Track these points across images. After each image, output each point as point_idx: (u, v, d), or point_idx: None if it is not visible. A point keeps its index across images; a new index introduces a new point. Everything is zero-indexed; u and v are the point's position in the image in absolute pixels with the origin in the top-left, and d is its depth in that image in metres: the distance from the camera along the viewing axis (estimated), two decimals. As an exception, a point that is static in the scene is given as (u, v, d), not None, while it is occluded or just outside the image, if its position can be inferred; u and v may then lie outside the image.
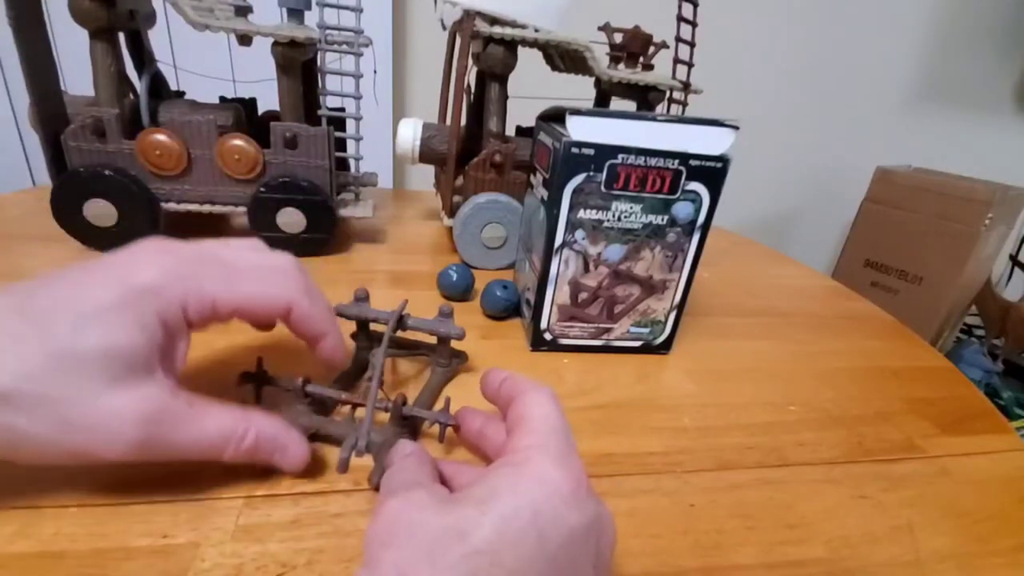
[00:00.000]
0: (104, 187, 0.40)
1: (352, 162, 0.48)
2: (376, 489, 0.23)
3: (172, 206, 0.43)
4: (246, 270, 0.22)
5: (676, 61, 0.49)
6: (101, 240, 0.41)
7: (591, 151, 0.30)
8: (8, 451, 0.17)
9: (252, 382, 0.26)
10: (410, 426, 0.26)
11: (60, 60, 0.39)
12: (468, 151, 0.50)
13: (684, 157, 0.31)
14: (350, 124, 0.46)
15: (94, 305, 0.18)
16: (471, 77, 0.53)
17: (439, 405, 0.26)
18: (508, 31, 0.44)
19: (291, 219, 0.44)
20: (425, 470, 0.19)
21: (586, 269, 0.34)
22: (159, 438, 0.19)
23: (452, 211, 0.49)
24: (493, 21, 0.44)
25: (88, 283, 0.19)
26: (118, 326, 0.18)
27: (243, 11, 0.41)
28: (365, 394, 0.25)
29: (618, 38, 0.51)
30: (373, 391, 0.24)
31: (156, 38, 0.46)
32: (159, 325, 0.19)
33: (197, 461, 0.20)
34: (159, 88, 0.46)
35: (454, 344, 0.32)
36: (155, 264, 0.19)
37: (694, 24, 0.48)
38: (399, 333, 0.30)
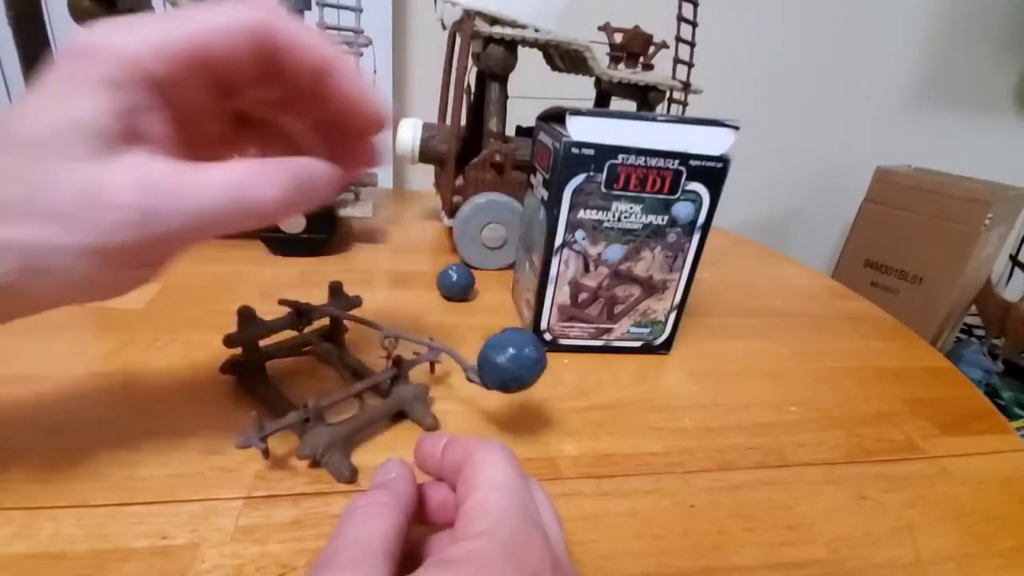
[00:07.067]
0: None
1: (352, 162, 0.48)
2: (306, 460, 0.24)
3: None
4: (197, 9, 0.17)
5: (676, 61, 0.49)
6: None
7: (591, 151, 0.30)
8: (25, 277, 0.16)
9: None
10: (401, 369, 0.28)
11: (59, 60, 0.39)
12: (468, 151, 0.49)
13: (684, 157, 0.31)
14: (350, 124, 0.46)
15: (33, 99, 0.16)
16: (471, 77, 0.53)
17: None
18: (508, 31, 0.44)
19: (291, 219, 0.44)
20: (388, 522, 0.15)
21: (586, 269, 0.34)
22: (165, 195, 0.16)
23: (452, 211, 0.49)
24: (493, 21, 0.44)
25: (25, 97, 0.16)
26: (58, 102, 0.16)
27: (243, 11, 0.41)
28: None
29: (618, 38, 0.51)
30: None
31: (156, 38, 0.46)
32: (106, 86, 0.16)
33: (232, 223, 0.18)
34: (159, 88, 0.46)
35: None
36: (79, 37, 0.16)
37: (694, 24, 0.48)
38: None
